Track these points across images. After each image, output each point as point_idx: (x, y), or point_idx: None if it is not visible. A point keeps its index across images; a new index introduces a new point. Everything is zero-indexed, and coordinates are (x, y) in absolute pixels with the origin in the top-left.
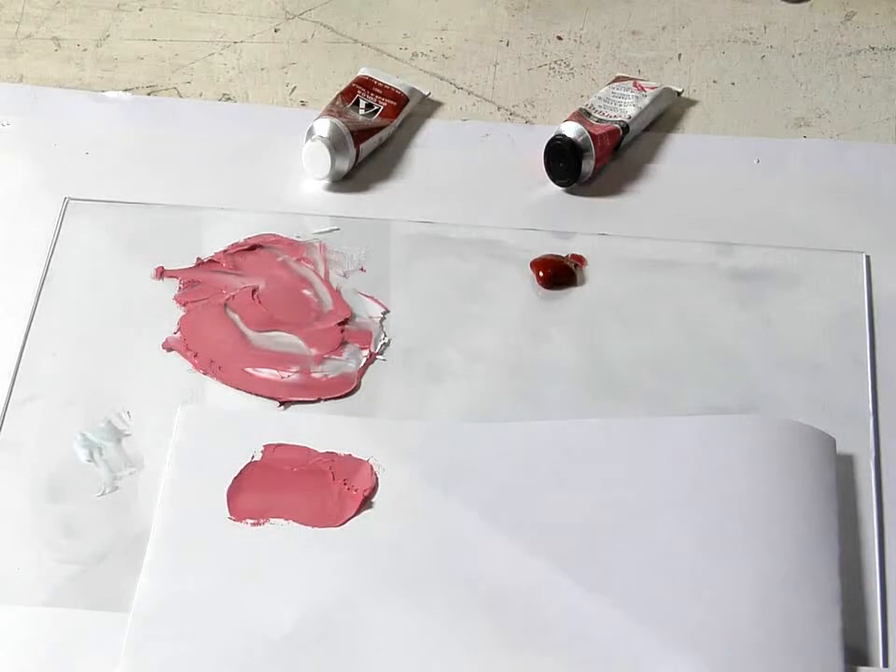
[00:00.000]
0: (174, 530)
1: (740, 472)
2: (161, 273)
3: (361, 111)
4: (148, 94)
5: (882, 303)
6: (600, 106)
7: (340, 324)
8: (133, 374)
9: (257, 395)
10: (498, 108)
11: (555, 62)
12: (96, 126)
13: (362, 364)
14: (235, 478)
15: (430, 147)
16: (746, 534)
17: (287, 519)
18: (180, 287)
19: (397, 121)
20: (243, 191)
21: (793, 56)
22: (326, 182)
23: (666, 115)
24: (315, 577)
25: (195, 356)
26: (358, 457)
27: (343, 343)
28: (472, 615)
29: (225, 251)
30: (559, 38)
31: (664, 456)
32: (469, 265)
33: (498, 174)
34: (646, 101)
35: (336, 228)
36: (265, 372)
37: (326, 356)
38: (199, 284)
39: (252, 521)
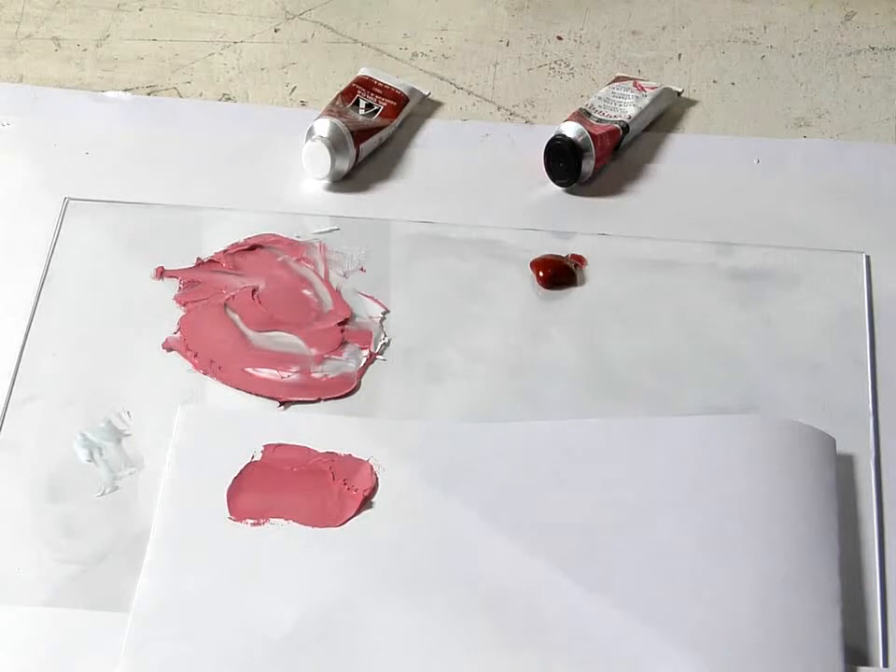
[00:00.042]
0: (174, 530)
1: (740, 472)
2: (161, 273)
3: (361, 111)
4: (148, 94)
5: (882, 303)
6: (600, 106)
7: (340, 324)
8: (133, 374)
9: (257, 395)
10: (498, 108)
11: (555, 62)
12: (96, 126)
13: (362, 364)
14: (235, 478)
15: (430, 146)
16: (746, 534)
17: (287, 519)
18: (180, 287)
19: (397, 121)
20: (243, 191)
21: (793, 56)
22: (326, 182)
23: (666, 115)
24: (314, 577)
25: (195, 356)
26: (358, 457)
27: (343, 343)
28: (472, 615)
29: (225, 251)
30: (559, 38)
31: (664, 456)
32: (469, 265)
33: (498, 174)
34: (646, 101)
35: (336, 228)
36: (265, 372)
37: (326, 356)
38: (199, 284)
39: (252, 521)
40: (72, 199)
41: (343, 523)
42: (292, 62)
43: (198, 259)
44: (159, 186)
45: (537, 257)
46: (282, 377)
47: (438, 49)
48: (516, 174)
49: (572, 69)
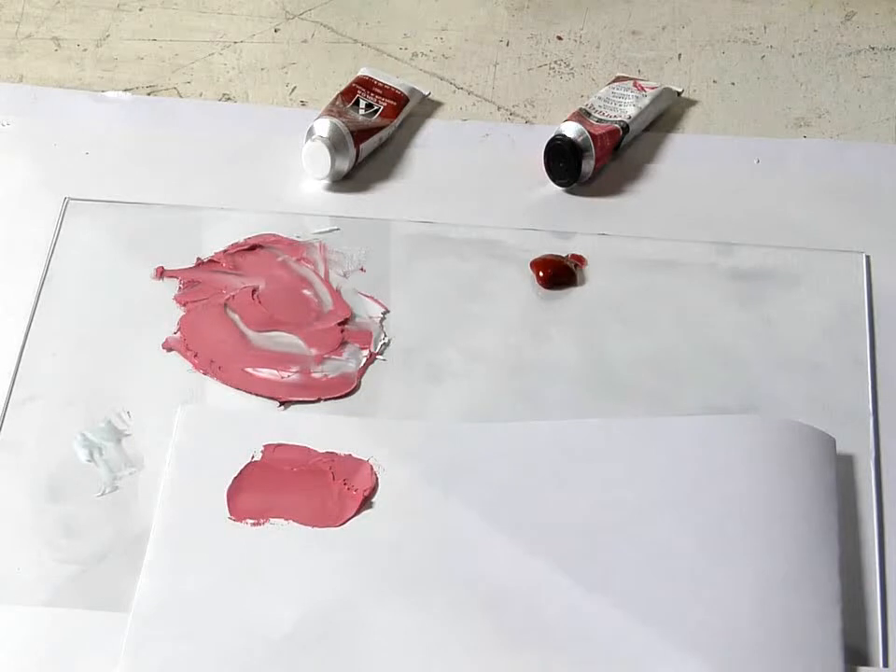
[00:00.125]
0: (174, 530)
1: (740, 472)
2: (161, 273)
3: (361, 111)
4: (148, 94)
5: (882, 303)
6: (600, 106)
7: (340, 324)
8: (133, 374)
9: (257, 395)
10: (498, 108)
11: (555, 62)
12: (96, 126)
13: (362, 364)
14: (235, 478)
15: (430, 146)
16: (746, 534)
17: (287, 519)
18: (180, 287)
19: (397, 121)
20: (243, 191)
21: (793, 56)
22: (326, 182)
23: (666, 115)
24: (314, 577)
25: (195, 356)
26: (358, 457)
27: (343, 343)
28: (472, 615)
29: (225, 251)
30: (559, 38)
31: (664, 456)
32: (469, 265)
33: (498, 174)
34: (646, 101)
35: (336, 228)
36: (265, 372)
37: (326, 356)
38: (199, 284)
39: (252, 521)
40: (72, 199)
41: (343, 523)
42: (292, 62)
43: (198, 259)
44: (159, 186)
45: (537, 257)
46: (282, 377)
47: (438, 49)
48: (516, 174)
49: (572, 69)
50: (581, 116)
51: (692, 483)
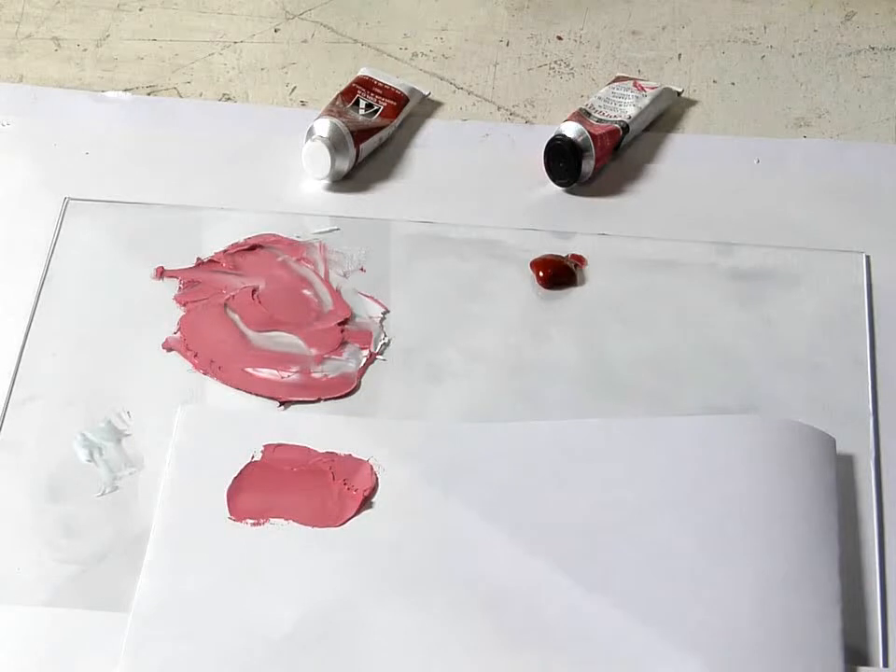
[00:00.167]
0: (174, 530)
1: (740, 472)
2: (161, 273)
3: (361, 111)
4: (148, 94)
5: (882, 303)
6: (600, 106)
7: (340, 324)
8: (133, 374)
9: (257, 395)
10: (498, 108)
11: (555, 62)
12: (96, 126)
13: (362, 364)
14: (235, 478)
15: (430, 146)
16: (746, 534)
17: (287, 519)
18: (180, 287)
19: (397, 121)
20: (243, 191)
21: (793, 56)
22: (326, 182)
23: (666, 115)
24: (314, 577)
25: (195, 356)
26: (358, 457)
27: (343, 343)
28: (472, 615)
29: (225, 251)
30: (559, 38)
31: (664, 456)
32: (469, 265)
33: (498, 174)
34: (646, 101)
35: (336, 228)
36: (265, 372)
37: (326, 356)
38: (199, 284)
39: (252, 521)
40: (72, 199)
41: (343, 523)
42: (292, 62)
43: (198, 259)
44: (159, 186)
45: (537, 257)
46: (282, 377)
47: (438, 49)
48: (516, 174)
49: (572, 69)
50: (581, 116)
51: (692, 483)
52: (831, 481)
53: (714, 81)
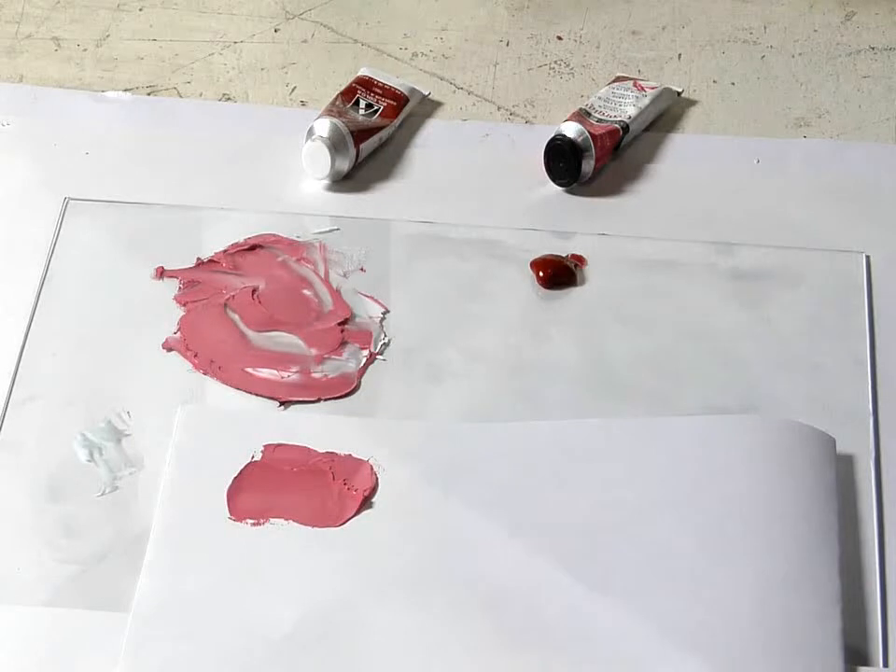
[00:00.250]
0: (174, 530)
1: (740, 472)
2: (161, 273)
3: (361, 111)
4: (148, 94)
5: (882, 303)
6: (600, 106)
7: (340, 324)
8: (133, 374)
9: (257, 395)
10: (498, 108)
11: (555, 62)
12: (96, 126)
13: (362, 364)
14: (235, 478)
15: (430, 146)
16: (746, 534)
17: (287, 519)
18: (180, 287)
19: (397, 121)
20: (243, 191)
21: (793, 56)
22: (326, 182)
23: (666, 115)
24: (314, 577)
25: (195, 356)
26: (358, 457)
27: (343, 343)
28: (472, 615)
29: (225, 251)
30: (559, 38)
31: (664, 456)
32: (469, 265)
33: (498, 174)
34: (646, 101)
35: (336, 228)
36: (265, 372)
37: (326, 356)
38: (199, 284)
39: (252, 521)
40: (72, 199)
41: (343, 523)
42: (292, 62)
43: (198, 259)
44: (159, 186)
45: (537, 257)
46: (282, 377)
47: (438, 49)
48: (516, 174)
49: (572, 69)
50: (581, 116)
51: (692, 483)
52: (831, 481)
53: (714, 81)
